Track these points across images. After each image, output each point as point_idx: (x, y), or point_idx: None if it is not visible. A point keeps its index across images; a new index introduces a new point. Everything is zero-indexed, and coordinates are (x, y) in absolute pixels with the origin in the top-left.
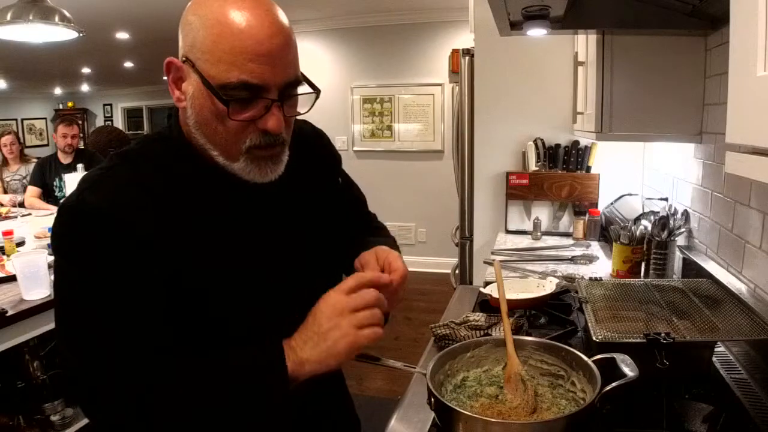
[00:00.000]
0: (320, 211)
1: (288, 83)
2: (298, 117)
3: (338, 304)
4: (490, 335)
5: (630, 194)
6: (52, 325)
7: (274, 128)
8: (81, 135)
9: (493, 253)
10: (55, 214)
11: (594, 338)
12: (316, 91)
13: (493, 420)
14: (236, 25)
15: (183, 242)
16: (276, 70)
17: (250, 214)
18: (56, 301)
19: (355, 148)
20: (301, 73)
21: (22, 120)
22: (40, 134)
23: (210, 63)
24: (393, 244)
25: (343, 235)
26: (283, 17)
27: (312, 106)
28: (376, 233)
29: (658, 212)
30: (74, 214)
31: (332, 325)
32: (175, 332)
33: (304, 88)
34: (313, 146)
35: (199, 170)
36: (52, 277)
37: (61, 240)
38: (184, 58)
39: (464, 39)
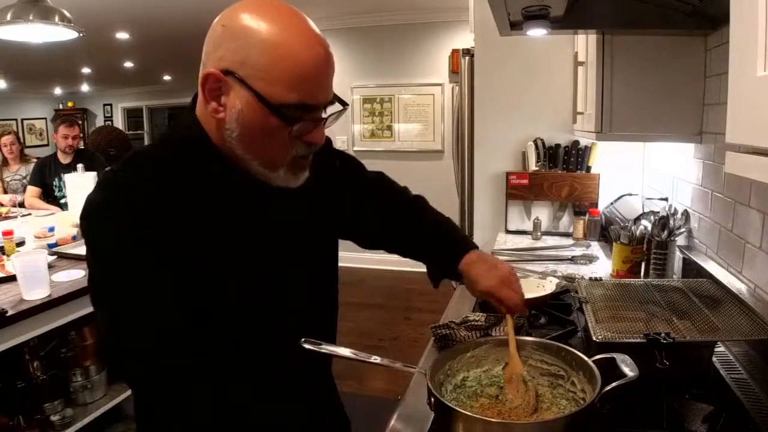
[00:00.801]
0: (325, 200)
1: (330, 100)
2: None
3: None
4: (490, 335)
5: (630, 194)
6: (52, 325)
7: (321, 142)
8: (81, 135)
9: (493, 253)
10: (81, 217)
11: (594, 338)
12: (345, 105)
13: (493, 420)
14: (295, 48)
15: (206, 237)
16: (325, 91)
17: (268, 209)
18: (99, 290)
19: (355, 148)
20: None
21: (22, 120)
22: (40, 134)
23: (266, 82)
24: (454, 226)
25: (370, 214)
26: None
27: (338, 118)
28: (417, 208)
29: (658, 212)
30: (102, 209)
31: None
32: (204, 319)
33: (334, 106)
34: None
35: (218, 169)
36: (52, 278)
37: (96, 235)
38: (225, 71)
39: (464, 39)
